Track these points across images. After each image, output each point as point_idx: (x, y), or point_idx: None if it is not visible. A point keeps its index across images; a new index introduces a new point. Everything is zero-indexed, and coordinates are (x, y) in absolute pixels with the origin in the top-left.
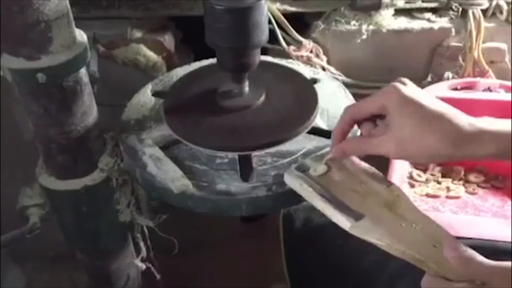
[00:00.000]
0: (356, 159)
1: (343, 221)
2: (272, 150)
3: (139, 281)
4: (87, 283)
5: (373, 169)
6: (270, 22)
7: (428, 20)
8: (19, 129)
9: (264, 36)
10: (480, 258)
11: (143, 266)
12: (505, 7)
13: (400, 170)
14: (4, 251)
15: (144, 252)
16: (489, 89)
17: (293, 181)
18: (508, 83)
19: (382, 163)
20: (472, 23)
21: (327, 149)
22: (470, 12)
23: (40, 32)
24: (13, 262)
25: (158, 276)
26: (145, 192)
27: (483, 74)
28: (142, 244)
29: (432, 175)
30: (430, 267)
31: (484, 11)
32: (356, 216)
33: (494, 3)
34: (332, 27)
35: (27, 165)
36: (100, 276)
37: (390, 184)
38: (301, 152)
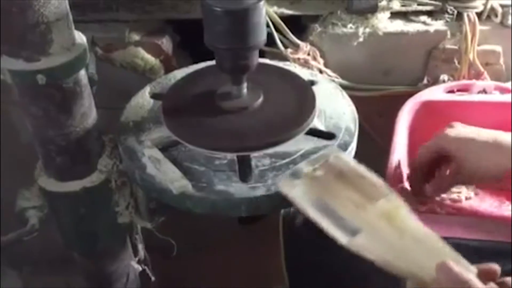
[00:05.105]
0: (354, 162)
1: (338, 235)
2: (270, 151)
3: (137, 283)
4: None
5: (371, 175)
6: (267, 25)
7: (424, 23)
8: (17, 131)
9: (263, 37)
10: (475, 283)
11: (139, 267)
12: (499, 10)
13: (398, 172)
14: (1, 255)
15: (141, 254)
16: (484, 91)
17: (288, 190)
18: (503, 85)
19: (380, 165)
20: (467, 26)
21: (325, 151)
22: (465, 15)
23: (40, 33)
24: (9, 265)
25: (152, 278)
26: (144, 193)
27: (478, 76)
28: (140, 245)
29: None
30: (428, 283)
31: (479, 14)
32: (353, 230)
33: (488, 6)
34: (329, 30)
35: (24, 167)
36: (98, 278)
37: (388, 192)
38: (299, 153)
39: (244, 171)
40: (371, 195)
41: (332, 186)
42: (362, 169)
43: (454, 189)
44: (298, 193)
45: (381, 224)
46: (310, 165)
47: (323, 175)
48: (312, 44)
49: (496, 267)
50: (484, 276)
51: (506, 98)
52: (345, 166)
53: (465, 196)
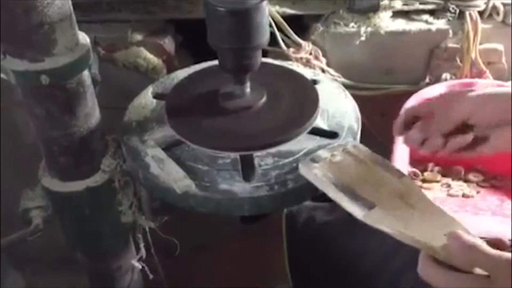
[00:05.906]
0: (370, 151)
1: (356, 210)
2: (273, 150)
3: (140, 282)
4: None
5: (386, 161)
6: (270, 24)
7: (426, 21)
8: (19, 131)
9: (266, 37)
10: (485, 247)
11: (139, 266)
12: (501, 8)
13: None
14: (4, 255)
15: (143, 253)
16: None
17: (307, 172)
18: (505, 83)
19: None
20: (469, 25)
21: (341, 141)
22: (467, 13)
23: (44, 34)
24: (12, 265)
25: (150, 276)
26: (147, 193)
27: (480, 75)
28: (142, 245)
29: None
30: (440, 254)
31: (481, 13)
32: (369, 205)
33: (490, 4)
34: (331, 29)
35: (26, 167)
36: (101, 277)
37: (402, 175)
38: (302, 152)
39: (247, 170)
40: (386, 177)
41: (349, 169)
42: (377, 156)
43: (455, 187)
44: (317, 174)
45: (395, 201)
46: (329, 152)
47: (341, 160)
48: (314, 43)
49: (505, 240)
50: (493, 247)
51: None
52: (362, 153)
53: (467, 194)
